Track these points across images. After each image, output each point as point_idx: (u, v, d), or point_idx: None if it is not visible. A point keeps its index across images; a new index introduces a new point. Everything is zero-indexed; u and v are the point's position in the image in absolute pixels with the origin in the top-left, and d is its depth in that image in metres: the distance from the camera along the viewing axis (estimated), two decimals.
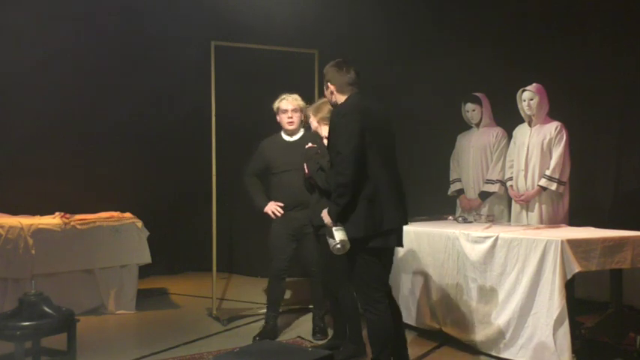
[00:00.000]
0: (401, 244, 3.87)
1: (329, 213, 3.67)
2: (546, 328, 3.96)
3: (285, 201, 4.99)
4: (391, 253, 3.91)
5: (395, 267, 5.15)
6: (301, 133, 5.14)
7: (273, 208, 5.01)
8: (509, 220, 5.71)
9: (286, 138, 5.12)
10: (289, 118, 5.04)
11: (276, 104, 5.11)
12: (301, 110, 5.03)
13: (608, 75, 5.84)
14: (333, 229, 3.60)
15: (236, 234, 7.97)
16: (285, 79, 6.93)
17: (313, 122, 4.59)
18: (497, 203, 5.87)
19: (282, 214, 5.00)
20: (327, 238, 3.67)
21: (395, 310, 3.92)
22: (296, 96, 5.08)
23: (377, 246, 3.66)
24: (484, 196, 5.88)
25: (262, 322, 5.29)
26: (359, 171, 3.59)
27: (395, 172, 3.81)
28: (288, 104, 5.06)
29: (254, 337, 4.93)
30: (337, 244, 3.58)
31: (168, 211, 7.76)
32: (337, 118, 3.73)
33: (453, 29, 6.71)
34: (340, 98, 3.87)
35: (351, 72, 3.86)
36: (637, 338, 4.29)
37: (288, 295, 6.73)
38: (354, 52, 6.94)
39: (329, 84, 3.89)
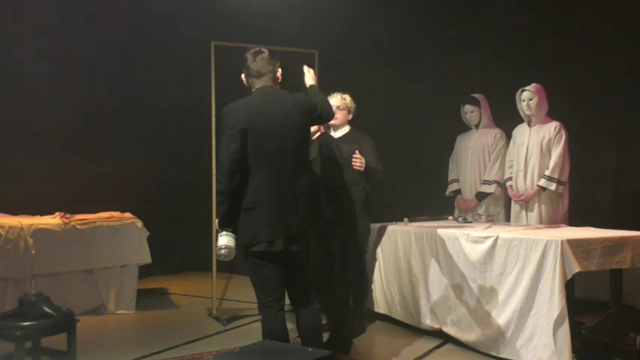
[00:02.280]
0: (302, 249, 3.59)
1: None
2: (546, 328, 3.95)
3: None
4: (294, 258, 3.59)
5: (395, 267, 5.19)
6: (345, 130, 5.13)
7: None
8: (505, 221, 5.71)
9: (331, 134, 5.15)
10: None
11: None
12: (347, 108, 5.09)
13: (608, 75, 5.85)
14: (220, 234, 3.53)
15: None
16: (285, 79, 6.92)
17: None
18: (494, 204, 5.86)
19: None
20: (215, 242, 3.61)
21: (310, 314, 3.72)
22: (346, 96, 5.12)
23: (260, 250, 3.49)
24: (481, 196, 5.88)
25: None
26: (234, 178, 3.41)
27: (286, 178, 3.50)
28: (333, 101, 5.03)
29: None
30: (221, 248, 3.50)
31: (168, 211, 7.76)
32: (222, 118, 3.54)
33: (453, 29, 6.70)
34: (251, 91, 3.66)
35: (258, 62, 3.59)
36: (637, 338, 4.29)
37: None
38: (354, 52, 6.97)
39: (242, 72, 3.68)
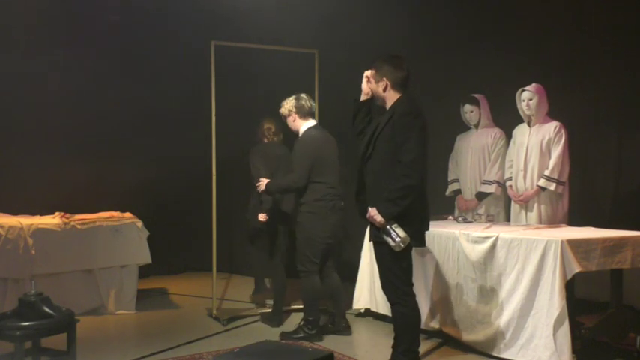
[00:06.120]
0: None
1: (383, 213, 3.69)
2: (546, 328, 3.96)
3: None
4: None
5: None
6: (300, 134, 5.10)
7: None
8: (505, 221, 5.70)
9: None
10: None
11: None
12: (286, 114, 5.06)
13: (608, 75, 5.84)
14: (393, 227, 3.65)
15: (236, 234, 7.97)
16: (285, 79, 6.93)
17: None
18: (494, 204, 5.85)
19: None
20: (385, 237, 3.67)
21: None
22: (283, 103, 5.08)
23: (415, 246, 3.83)
24: (481, 197, 5.87)
25: (262, 322, 5.33)
26: (425, 174, 3.78)
27: (425, 181, 3.91)
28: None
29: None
30: (401, 240, 3.64)
31: (168, 211, 7.76)
32: (407, 117, 3.76)
33: (453, 29, 6.70)
34: (392, 95, 3.87)
35: (405, 70, 3.86)
36: (637, 338, 4.29)
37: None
38: (354, 52, 6.96)
39: (384, 78, 3.87)
